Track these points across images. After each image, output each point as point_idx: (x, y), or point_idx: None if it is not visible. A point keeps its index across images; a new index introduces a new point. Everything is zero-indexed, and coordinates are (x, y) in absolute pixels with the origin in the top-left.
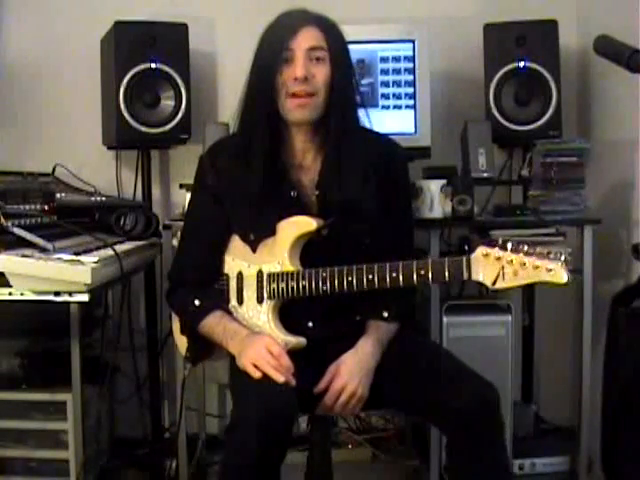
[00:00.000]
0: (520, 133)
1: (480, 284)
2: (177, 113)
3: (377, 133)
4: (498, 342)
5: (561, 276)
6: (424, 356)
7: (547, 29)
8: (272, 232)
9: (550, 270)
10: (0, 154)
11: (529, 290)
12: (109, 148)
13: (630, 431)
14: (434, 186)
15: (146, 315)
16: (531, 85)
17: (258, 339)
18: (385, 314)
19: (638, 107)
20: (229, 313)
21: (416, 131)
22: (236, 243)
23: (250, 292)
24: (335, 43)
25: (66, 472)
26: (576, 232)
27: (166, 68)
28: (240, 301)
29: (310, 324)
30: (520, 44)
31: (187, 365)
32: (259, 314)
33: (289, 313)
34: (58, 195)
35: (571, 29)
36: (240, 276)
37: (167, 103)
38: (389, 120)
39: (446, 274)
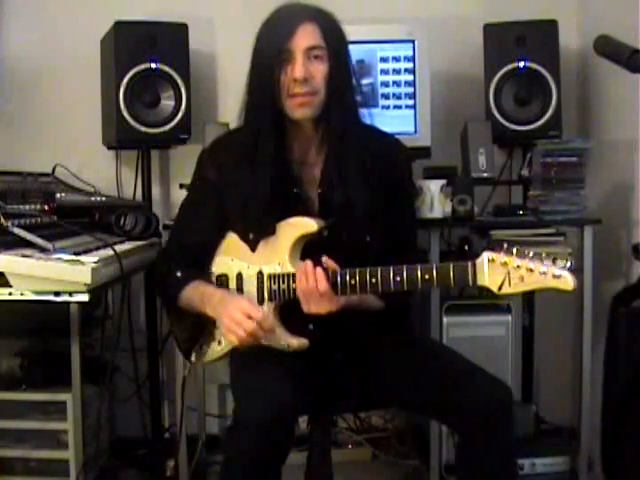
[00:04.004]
0: (520, 133)
1: (485, 289)
2: (177, 113)
3: (381, 131)
4: (498, 342)
5: (568, 283)
6: (433, 356)
7: (547, 29)
8: (272, 232)
9: (558, 276)
10: (0, 154)
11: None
12: (109, 148)
13: (630, 431)
14: (434, 186)
15: (146, 315)
16: (531, 85)
17: (230, 301)
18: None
19: (638, 107)
20: (210, 283)
21: (416, 131)
22: (234, 242)
23: (250, 293)
24: (333, 39)
25: (66, 472)
26: (576, 232)
27: (166, 68)
28: None
29: (311, 326)
30: (520, 44)
31: (187, 364)
32: None
33: (290, 314)
34: (58, 195)
35: (571, 29)
36: (240, 277)
37: (167, 103)
38: (389, 120)
39: (451, 279)
